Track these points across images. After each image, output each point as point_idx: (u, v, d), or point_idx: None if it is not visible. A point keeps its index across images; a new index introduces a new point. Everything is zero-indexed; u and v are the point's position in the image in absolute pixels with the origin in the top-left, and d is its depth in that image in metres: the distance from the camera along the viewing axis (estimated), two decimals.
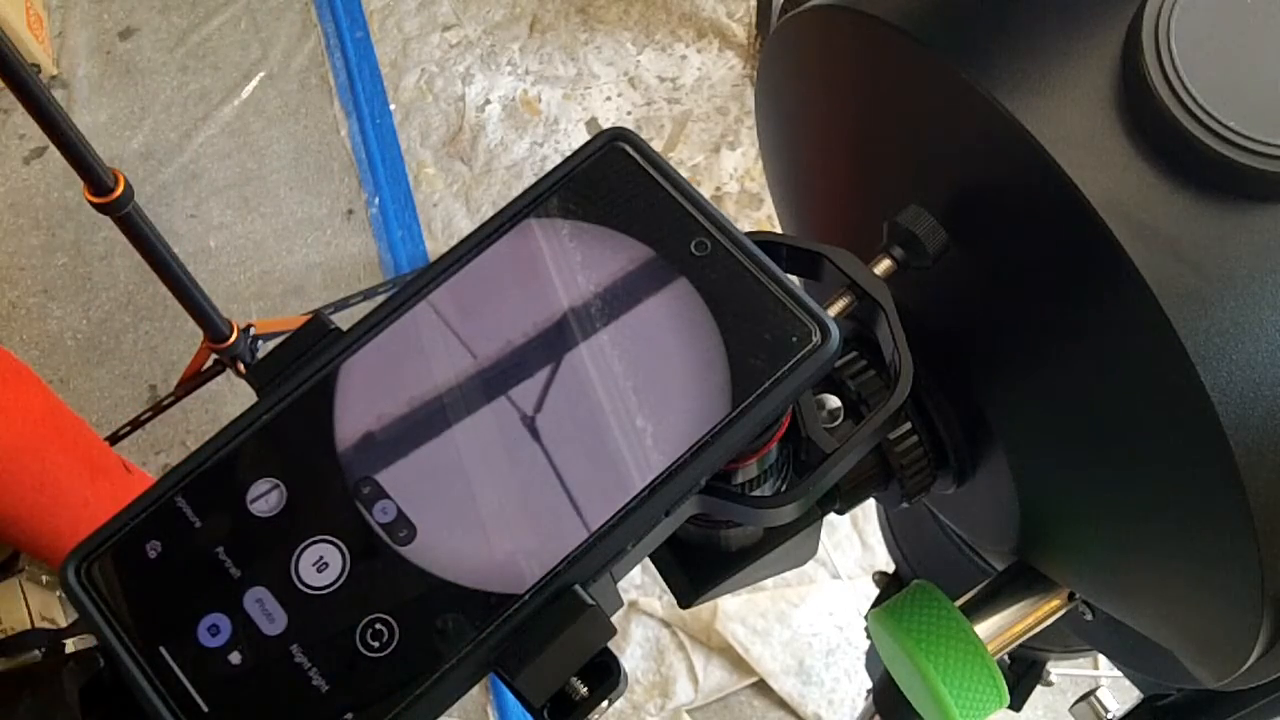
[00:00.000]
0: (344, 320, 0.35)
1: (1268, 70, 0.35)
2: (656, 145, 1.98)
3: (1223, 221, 0.35)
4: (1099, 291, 0.37)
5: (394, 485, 0.34)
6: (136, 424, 1.66)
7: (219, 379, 1.63)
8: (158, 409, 1.66)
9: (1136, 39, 0.36)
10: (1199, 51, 0.35)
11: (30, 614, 1.42)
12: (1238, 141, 0.34)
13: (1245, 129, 0.34)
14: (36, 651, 1.26)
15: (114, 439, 1.65)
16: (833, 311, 0.40)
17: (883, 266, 0.42)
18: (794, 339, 0.34)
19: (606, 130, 0.37)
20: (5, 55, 1.07)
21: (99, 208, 1.25)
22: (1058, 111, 0.37)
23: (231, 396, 1.82)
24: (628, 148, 0.37)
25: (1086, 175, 0.36)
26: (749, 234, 0.37)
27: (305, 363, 0.35)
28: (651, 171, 0.37)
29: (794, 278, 0.38)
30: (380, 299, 0.38)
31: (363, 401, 0.35)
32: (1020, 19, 0.40)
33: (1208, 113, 0.35)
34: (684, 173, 1.94)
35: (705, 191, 1.91)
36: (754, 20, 2.07)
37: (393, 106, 2.11)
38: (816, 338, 0.34)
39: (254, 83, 2.14)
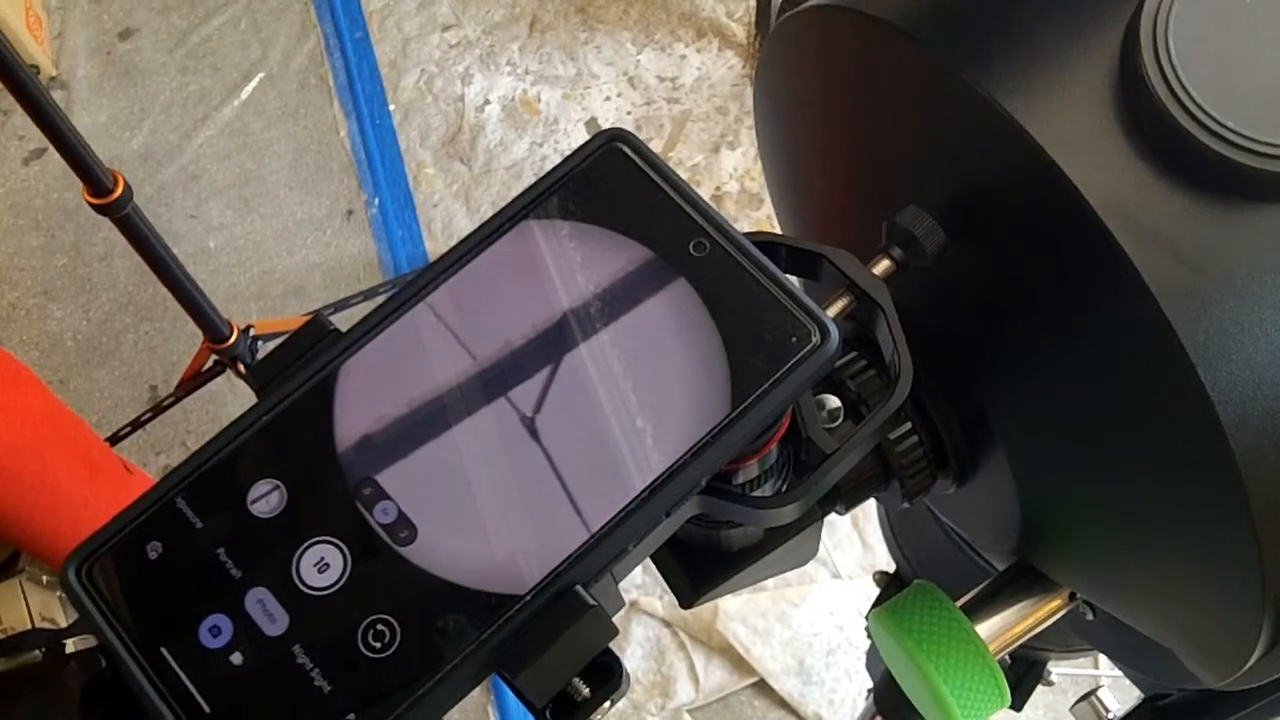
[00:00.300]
0: (344, 321, 0.35)
1: (1266, 69, 0.35)
2: (656, 145, 1.99)
3: (1222, 221, 0.35)
4: (1098, 292, 0.37)
5: (395, 486, 0.34)
6: (137, 424, 1.66)
7: (219, 379, 1.63)
8: (158, 409, 1.66)
9: (1134, 39, 0.36)
10: (1197, 51, 0.35)
11: (30, 614, 1.42)
12: (1236, 141, 0.34)
13: (1243, 128, 0.34)
14: (37, 652, 1.26)
15: (114, 439, 1.65)
16: (832, 312, 0.40)
17: (882, 267, 0.42)
18: (793, 339, 0.34)
19: (605, 131, 0.37)
20: (4, 57, 1.07)
21: (98, 209, 1.25)
22: (1056, 111, 0.37)
23: (231, 397, 1.82)
24: (626, 148, 0.37)
25: (1085, 175, 0.36)
26: (748, 234, 0.37)
27: (305, 364, 0.35)
28: (650, 172, 0.37)
29: (793, 278, 0.38)
30: (380, 299, 0.38)
31: (363, 402, 0.35)
32: (1019, 19, 0.40)
33: (1206, 112, 0.35)
34: (684, 172, 1.94)
35: (705, 191, 1.91)
36: (753, 20, 2.07)
37: (392, 107, 2.11)
38: (816, 338, 0.34)
39: (253, 83, 2.14)
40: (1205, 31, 0.36)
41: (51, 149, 1.19)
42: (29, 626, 1.40)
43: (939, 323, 0.46)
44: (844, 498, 0.48)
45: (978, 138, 0.40)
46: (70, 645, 1.21)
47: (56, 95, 2.06)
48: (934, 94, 0.42)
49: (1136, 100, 0.36)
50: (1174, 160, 0.35)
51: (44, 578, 1.48)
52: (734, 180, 1.97)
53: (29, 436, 1.23)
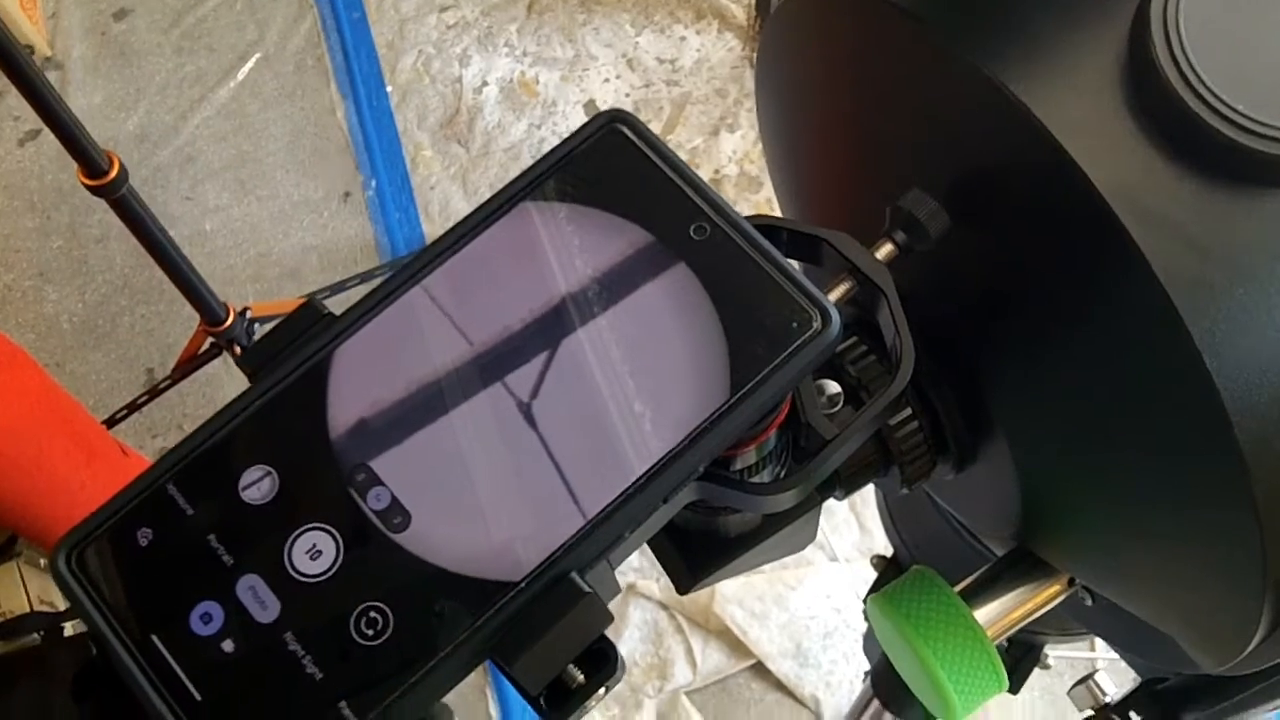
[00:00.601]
0: (340, 304, 0.35)
1: (1277, 53, 0.35)
2: (655, 128, 1.98)
3: (1230, 206, 0.35)
4: (1104, 276, 0.37)
5: (388, 472, 0.33)
6: (133, 407, 1.66)
7: (215, 362, 1.63)
8: (154, 392, 1.66)
9: (1144, 21, 0.35)
10: (1207, 34, 0.35)
11: (28, 597, 1.42)
12: (1246, 125, 0.34)
13: (1254, 113, 0.34)
14: (35, 635, 1.26)
15: (110, 422, 1.65)
16: (833, 296, 0.39)
17: (884, 251, 0.42)
18: (794, 324, 0.33)
19: (605, 112, 0.37)
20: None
21: (94, 190, 1.25)
22: (1064, 95, 0.36)
23: (228, 379, 1.81)
24: (626, 130, 0.36)
25: (1092, 159, 0.35)
26: (749, 218, 0.36)
27: (298, 348, 0.35)
28: (650, 154, 0.36)
29: (794, 262, 0.37)
30: (377, 282, 0.38)
31: (357, 387, 0.34)
32: (1026, 1, 0.39)
33: (1216, 96, 0.34)
34: (682, 155, 1.93)
35: (704, 174, 1.90)
36: (753, 2, 2.06)
37: (389, 88, 2.10)
38: (817, 323, 0.33)
39: (250, 64, 2.14)
40: (1215, 14, 0.35)
41: (47, 130, 1.18)
42: (27, 610, 1.40)
43: (940, 307, 0.46)
44: (843, 483, 0.48)
45: (983, 121, 0.39)
46: (69, 629, 1.21)
47: (51, 76, 2.05)
48: (938, 76, 0.41)
49: (1146, 83, 0.35)
50: (1183, 144, 0.35)
51: (41, 561, 1.48)
52: (733, 163, 1.97)
53: (25, 419, 1.23)
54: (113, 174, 1.24)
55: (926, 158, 0.44)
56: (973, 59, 0.38)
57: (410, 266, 0.36)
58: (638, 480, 0.33)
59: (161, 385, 1.65)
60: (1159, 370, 0.36)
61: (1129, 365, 0.37)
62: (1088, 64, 0.37)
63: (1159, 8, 0.35)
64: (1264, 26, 0.35)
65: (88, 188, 1.25)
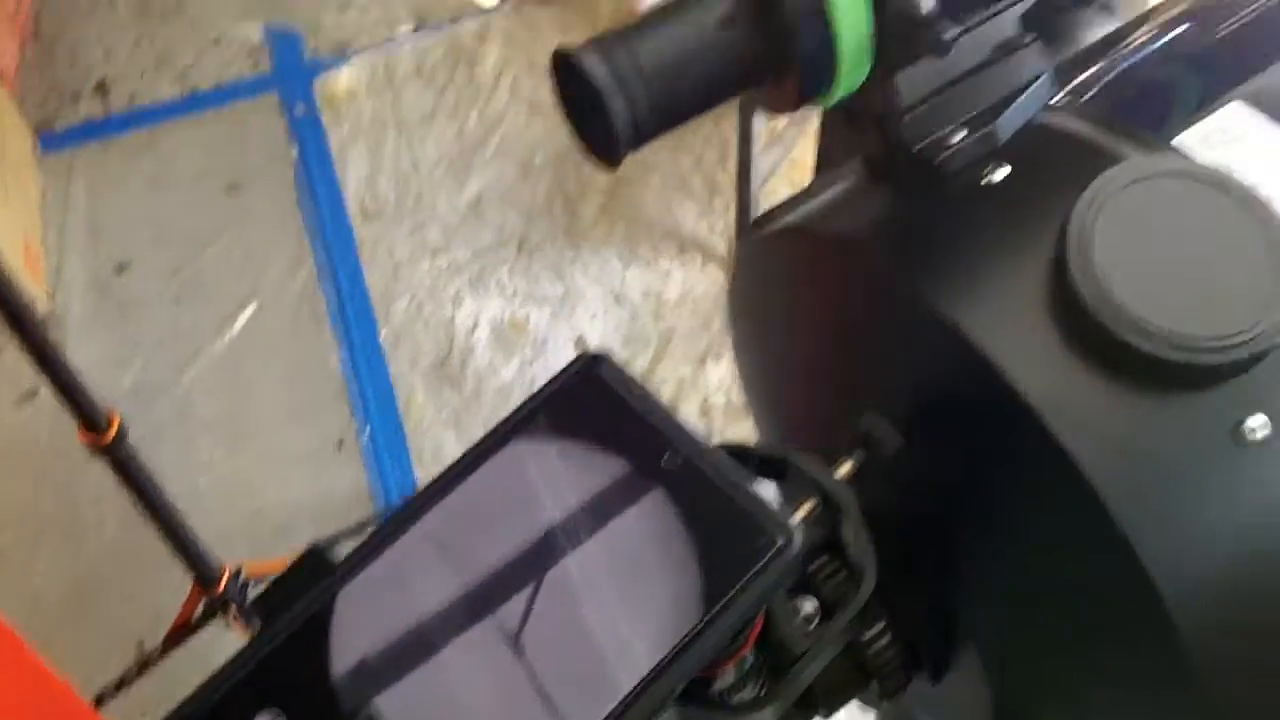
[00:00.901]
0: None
1: (1184, 270, 0.38)
2: (643, 360, 2.01)
3: (1153, 412, 0.37)
4: (1041, 485, 0.39)
5: (389, 710, 0.34)
6: (122, 684, 1.62)
7: (208, 629, 1.59)
8: (144, 666, 1.61)
9: (1063, 246, 0.39)
10: (1121, 255, 0.38)
11: None
12: (1164, 338, 0.36)
13: (1169, 325, 0.36)
14: None
15: (99, 701, 1.60)
16: (801, 514, 0.41)
17: (845, 469, 0.44)
18: (759, 544, 0.35)
19: (584, 355, 0.40)
20: (7, 300, 1.08)
21: (94, 450, 1.25)
22: (995, 318, 0.39)
23: (220, 647, 1.76)
24: (603, 371, 0.39)
25: (1024, 376, 0.38)
26: (722, 443, 0.39)
27: (303, 594, 0.37)
28: (623, 393, 0.39)
29: (770, 481, 0.39)
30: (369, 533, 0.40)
31: (358, 629, 0.36)
32: (961, 235, 0.42)
33: (1132, 313, 0.37)
34: (670, 386, 1.96)
35: (693, 404, 1.93)
36: (734, 234, 2.13)
37: (383, 333, 2.13)
38: (780, 542, 0.35)
39: (247, 313, 2.15)
40: (1128, 235, 0.38)
41: (44, 390, 1.19)
42: None
43: (902, 521, 0.47)
44: (824, 701, 0.48)
45: (925, 346, 0.42)
46: None
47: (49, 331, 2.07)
48: (887, 307, 0.44)
49: (1068, 304, 0.38)
50: (1105, 357, 0.38)
51: None
52: (720, 392, 1.99)
53: (8, 701, 1.20)
54: (112, 433, 1.25)
55: (880, 380, 0.47)
56: (917, 290, 0.41)
57: (407, 509, 0.38)
58: (621, 703, 0.34)
59: (153, 656, 1.60)
60: (1094, 567, 0.38)
61: (1069, 568, 0.39)
62: (1017, 292, 0.40)
63: (1075, 233, 0.38)
64: (1172, 244, 0.38)
65: (88, 447, 1.25)
